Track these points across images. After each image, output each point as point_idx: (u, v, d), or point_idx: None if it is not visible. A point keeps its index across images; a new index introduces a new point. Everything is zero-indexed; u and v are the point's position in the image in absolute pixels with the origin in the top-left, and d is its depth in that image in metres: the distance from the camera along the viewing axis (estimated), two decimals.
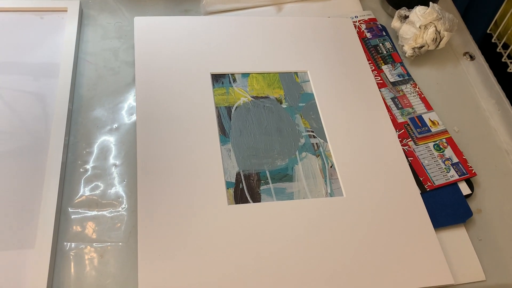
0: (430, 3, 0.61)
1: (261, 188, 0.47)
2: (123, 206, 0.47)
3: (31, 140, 0.49)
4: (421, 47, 0.61)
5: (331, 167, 0.49)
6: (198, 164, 0.47)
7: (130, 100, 0.54)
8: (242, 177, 0.47)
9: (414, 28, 0.60)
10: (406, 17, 0.62)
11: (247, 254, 0.43)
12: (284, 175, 0.48)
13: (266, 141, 0.50)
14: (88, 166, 0.49)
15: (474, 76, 0.62)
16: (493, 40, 0.67)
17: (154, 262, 0.41)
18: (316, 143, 0.51)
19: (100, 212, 0.46)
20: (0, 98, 0.52)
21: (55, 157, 0.47)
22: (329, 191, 0.48)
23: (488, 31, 0.71)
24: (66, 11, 0.60)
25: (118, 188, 0.47)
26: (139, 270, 0.41)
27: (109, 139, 0.51)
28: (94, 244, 0.44)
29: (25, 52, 0.56)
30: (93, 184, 0.47)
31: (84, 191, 0.47)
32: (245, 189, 0.46)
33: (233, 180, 0.47)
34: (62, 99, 0.51)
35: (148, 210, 0.44)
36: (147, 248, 0.42)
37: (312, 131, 0.52)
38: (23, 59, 0.55)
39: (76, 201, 0.46)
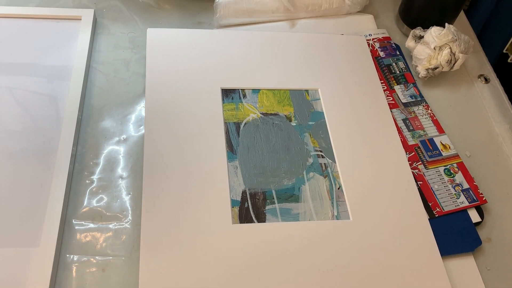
0: (446, 24, 0.60)
1: (267, 207, 0.46)
2: (128, 219, 0.46)
3: (42, 140, 0.50)
4: (435, 68, 0.60)
5: (338, 188, 0.49)
6: (204, 181, 0.47)
7: (140, 112, 0.54)
8: (248, 196, 0.47)
9: (429, 49, 0.60)
10: (421, 37, 0.62)
11: (250, 274, 0.42)
12: (291, 195, 0.47)
13: (273, 160, 0.50)
14: (94, 177, 0.49)
15: (488, 100, 0.61)
16: (509, 60, 0.66)
17: (155, 278, 0.41)
18: (324, 163, 0.50)
19: (104, 225, 0.46)
20: (14, 98, 0.52)
21: (63, 167, 0.47)
22: (335, 213, 0.47)
23: (504, 51, 0.70)
24: (80, 19, 0.60)
25: (123, 201, 0.47)
26: (140, 286, 0.40)
27: (116, 151, 0.51)
28: (96, 257, 0.44)
29: (40, 56, 0.56)
30: (98, 196, 0.47)
31: (89, 202, 0.47)
32: (250, 208, 0.46)
33: (239, 199, 0.46)
34: (71, 108, 0.51)
35: (152, 224, 0.44)
36: (149, 264, 0.41)
37: (321, 151, 0.51)
38: (38, 63, 0.56)
39: (81, 212, 0.46)
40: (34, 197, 0.46)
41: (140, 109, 0.54)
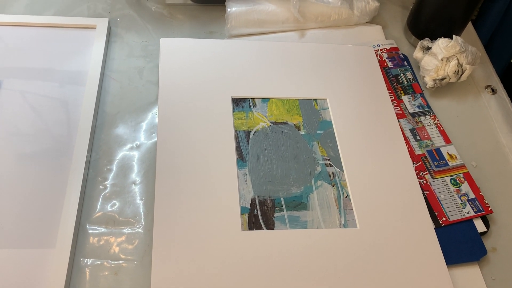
0: (454, 36, 0.61)
1: (275, 215, 0.47)
2: (140, 224, 0.48)
3: (57, 145, 0.51)
4: (443, 79, 0.61)
5: (346, 197, 0.50)
6: (215, 188, 0.48)
7: (152, 119, 0.56)
8: (257, 203, 0.48)
9: (436, 60, 0.61)
10: (429, 48, 0.62)
11: (258, 280, 0.43)
12: (299, 203, 0.48)
13: (282, 168, 0.51)
14: (108, 183, 0.50)
15: (495, 110, 0.62)
16: None
17: (167, 283, 0.42)
18: (332, 172, 0.51)
19: (117, 230, 0.47)
20: (30, 104, 0.54)
21: (77, 172, 0.48)
22: (343, 221, 0.48)
23: None
24: (95, 28, 0.61)
25: (136, 206, 0.49)
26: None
27: (129, 157, 0.52)
28: (109, 261, 0.45)
29: (56, 64, 0.58)
30: (111, 201, 0.49)
31: (103, 207, 0.48)
32: (259, 216, 0.47)
33: (248, 206, 0.48)
34: (86, 115, 0.53)
35: (163, 230, 0.45)
36: (161, 268, 0.43)
37: (329, 160, 0.52)
38: (54, 70, 0.57)
39: (94, 216, 0.48)
40: (50, 202, 0.47)
41: (153, 116, 0.56)
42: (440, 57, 0.60)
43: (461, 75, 0.61)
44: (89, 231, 0.47)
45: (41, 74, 0.57)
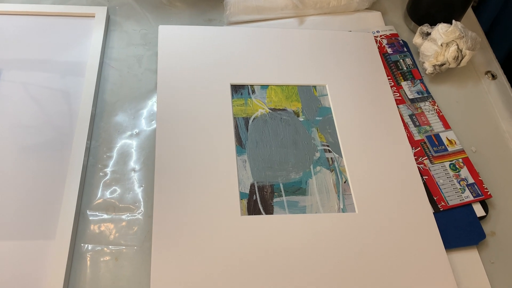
0: (453, 21, 0.60)
1: (274, 200, 0.48)
2: (140, 210, 0.48)
3: (56, 134, 0.51)
4: (442, 64, 0.61)
5: (344, 182, 0.50)
6: (214, 173, 0.48)
7: (151, 107, 0.56)
8: (256, 189, 0.48)
9: (436, 46, 0.60)
10: (428, 34, 0.62)
11: (257, 264, 0.44)
12: (298, 189, 0.49)
13: (281, 154, 0.51)
14: (108, 170, 0.50)
15: (495, 96, 0.62)
16: None
17: (166, 268, 0.42)
18: (331, 158, 0.51)
19: (117, 216, 0.47)
20: (29, 94, 0.54)
21: (77, 160, 0.49)
22: (341, 206, 0.48)
23: None
24: (94, 17, 0.61)
25: (135, 193, 0.49)
26: (152, 274, 0.42)
27: (129, 144, 0.52)
28: (110, 246, 0.46)
29: (54, 53, 0.58)
30: (111, 188, 0.49)
31: (103, 194, 0.49)
32: (259, 201, 0.47)
33: (247, 191, 0.48)
34: (86, 103, 0.53)
35: (163, 216, 0.45)
36: (160, 254, 0.43)
37: (328, 146, 0.52)
38: (52, 59, 0.57)
39: (95, 203, 0.48)
40: (50, 190, 0.47)
41: (152, 104, 0.56)
42: (439, 43, 0.60)
43: (460, 61, 0.61)
44: (89, 218, 0.47)
45: (40, 64, 0.57)
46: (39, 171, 0.49)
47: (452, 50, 0.60)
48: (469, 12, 0.70)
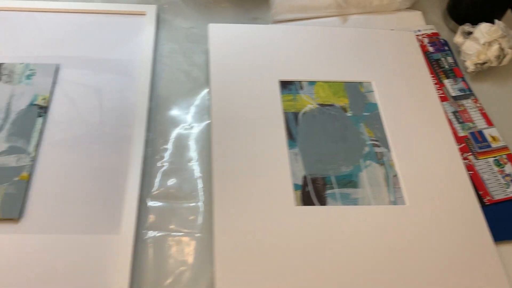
0: (496, 20, 0.61)
1: (327, 192, 0.49)
2: (198, 199, 0.50)
3: (115, 129, 0.53)
4: (484, 63, 0.62)
5: (394, 176, 0.51)
6: (268, 165, 0.50)
7: (202, 101, 0.58)
8: (309, 181, 0.50)
9: (478, 45, 0.61)
10: (470, 33, 0.63)
11: (312, 253, 0.45)
12: (349, 181, 0.50)
13: (331, 148, 0.53)
14: (166, 161, 0.52)
15: None
16: None
17: (229, 253, 0.44)
18: (380, 152, 0.53)
19: (177, 204, 0.50)
20: (85, 89, 0.56)
21: (137, 151, 0.51)
22: (392, 199, 0.50)
23: None
24: (145, 14, 0.64)
25: (193, 183, 0.51)
26: (216, 260, 0.44)
27: (184, 137, 0.55)
28: (171, 233, 0.48)
29: (108, 49, 0.60)
30: (170, 178, 0.51)
31: (162, 184, 0.51)
32: (312, 192, 0.49)
33: (300, 183, 0.50)
34: (142, 98, 0.55)
35: (222, 205, 0.47)
36: (222, 239, 0.45)
37: (376, 140, 0.54)
38: (106, 55, 0.60)
39: (154, 193, 0.50)
40: (114, 180, 0.50)
41: (202, 98, 0.58)
42: (482, 42, 0.61)
43: (502, 59, 0.62)
44: (150, 206, 0.49)
45: (95, 60, 0.59)
46: (101, 164, 0.51)
47: (494, 49, 0.61)
48: (508, 12, 0.71)
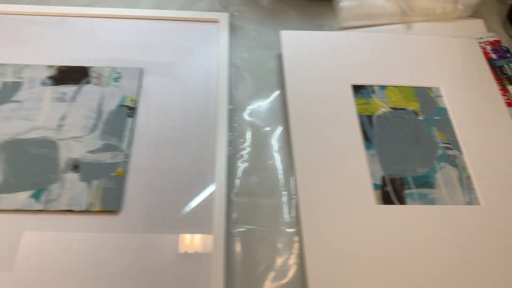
0: None
1: (405, 192, 0.52)
2: (280, 195, 0.53)
3: (198, 130, 0.56)
4: None
5: (467, 177, 0.53)
6: (347, 166, 0.53)
7: (275, 104, 0.61)
8: (387, 181, 0.52)
9: None
10: None
11: (393, 251, 0.48)
12: (425, 182, 0.52)
13: (406, 150, 0.55)
14: (246, 160, 0.55)
15: None
16: None
17: (317, 248, 0.47)
18: (453, 155, 0.55)
19: (260, 201, 0.52)
20: (168, 92, 0.59)
21: (222, 150, 0.54)
22: (467, 199, 0.52)
23: None
24: (218, 22, 0.67)
25: (273, 181, 0.54)
26: (307, 255, 0.46)
27: (260, 138, 0.57)
28: (256, 227, 0.50)
29: (185, 54, 0.63)
30: (251, 176, 0.54)
31: (245, 181, 0.54)
32: (391, 192, 0.51)
33: (379, 183, 0.52)
34: (222, 100, 0.58)
35: (307, 203, 0.50)
36: (311, 239, 0.47)
37: (448, 143, 0.56)
38: (183, 59, 0.63)
39: (238, 189, 0.53)
40: (201, 178, 0.53)
41: (275, 101, 0.61)
42: None
43: None
44: (236, 202, 0.52)
45: (175, 64, 0.63)
46: (188, 163, 0.53)
47: None
48: None
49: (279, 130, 0.58)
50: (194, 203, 0.51)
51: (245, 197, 0.53)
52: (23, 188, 0.50)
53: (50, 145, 0.53)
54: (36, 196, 0.49)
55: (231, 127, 0.58)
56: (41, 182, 0.50)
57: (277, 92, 0.62)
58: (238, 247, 0.49)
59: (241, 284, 0.47)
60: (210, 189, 0.52)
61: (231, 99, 0.61)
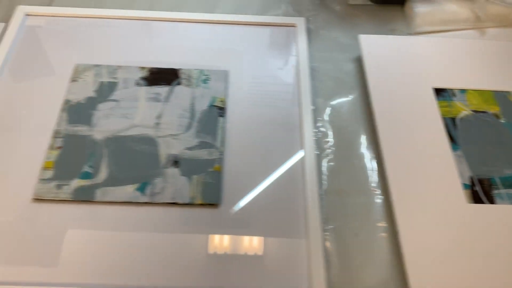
0: None
1: (494, 192, 0.53)
2: (369, 192, 0.54)
3: (284, 131, 0.59)
4: None
5: None
6: (436, 166, 0.54)
7: (354, 105, 0.63)
8: (476, 181, 0.54)
9: None
10: None
11: (486, 250, 0.49)
12: None
13: (490, 151, 0.56)
14: (332, 158, 0.57)
15: None
16: None
17: (415, 250, 0.48)
18: None
19: (350, 198, 0.54)
20: (253, 94, 0.62)
21: (311, 150, 0.56)
22: None
23: None
24: (296, 26, 0.70)
25: (362, 179, 0.56)
26: (405, 260, 0.48)
27: (344, 137, 0.59)
28: (349, 224, 0.52)
29: (267, 57, 0.66)
30: (339, 174, 0.56)
31: (332, 179, 0.56)
32: (480, 192, 0.53)
33: (468, 183, 0.53)
34: (306, 102, 0.61)
35: (401, 202, 0.52)
36: (408, 238, 0.49)
37: None
38: (266, 62, 0.66)
39: (327, 187, 0.55)
40: (292, 176, 0.55)
41: (353, 102, 0.63)
42: None
43: None
44: (325, 201, 0.54)
45: (258, 67, 0.65)
46: (278, 163, 0.56)
47: None
48: None
49: (361, 130, 0.60)
50: (285, 199, 0.53)
51: (335, 195, 0.55)
52: (129, 181, 0.53)
53: (150, 142, 0.56)
54: (141, 189, 0.52)
55: (314, 127, 0.60)
56: (145, 176, 0.53)
57: (355, 94, 0.64)
58: (329, 244, 0.51)
59: (338, 277, 0.49)
60: (303, 191, 0.54)
61: (314, 100, 0.63)
